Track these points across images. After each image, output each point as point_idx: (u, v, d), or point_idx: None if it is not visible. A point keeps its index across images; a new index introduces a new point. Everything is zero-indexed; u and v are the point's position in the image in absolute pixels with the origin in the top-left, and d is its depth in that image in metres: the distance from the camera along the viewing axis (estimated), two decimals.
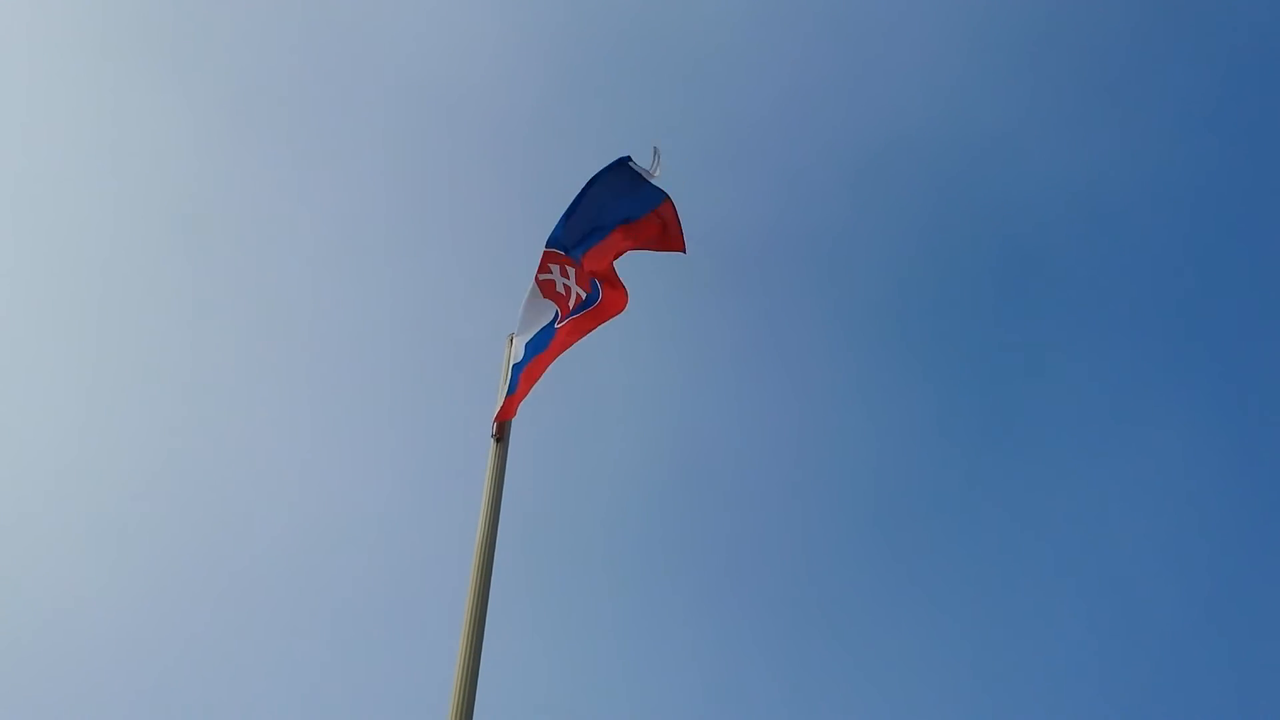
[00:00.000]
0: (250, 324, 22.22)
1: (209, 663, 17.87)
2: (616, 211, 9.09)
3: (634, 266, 9.26)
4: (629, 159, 9.12)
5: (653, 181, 9.08)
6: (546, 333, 8.74)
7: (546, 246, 9.00)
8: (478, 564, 7.52)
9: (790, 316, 24.20)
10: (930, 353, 24.82)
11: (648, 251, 9.28)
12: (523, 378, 8.46)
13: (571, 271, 8.95)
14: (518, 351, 8.62)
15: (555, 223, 9.08)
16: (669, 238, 9.16)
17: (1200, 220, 25.29)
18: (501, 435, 8.22)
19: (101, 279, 21.97)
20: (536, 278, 8.96)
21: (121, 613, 18.41)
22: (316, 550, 19.68)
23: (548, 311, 8.89)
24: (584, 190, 9.03)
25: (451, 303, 22.04)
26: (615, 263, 9.15)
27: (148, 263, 22.43)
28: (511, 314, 9.00)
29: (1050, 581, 21.69)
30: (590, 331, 8.92)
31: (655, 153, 9.11)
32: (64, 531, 19.57)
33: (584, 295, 8.96)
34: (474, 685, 7.00)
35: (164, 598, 18.65)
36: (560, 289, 8.93)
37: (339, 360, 21.98)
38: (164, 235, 22.47)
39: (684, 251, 9.18)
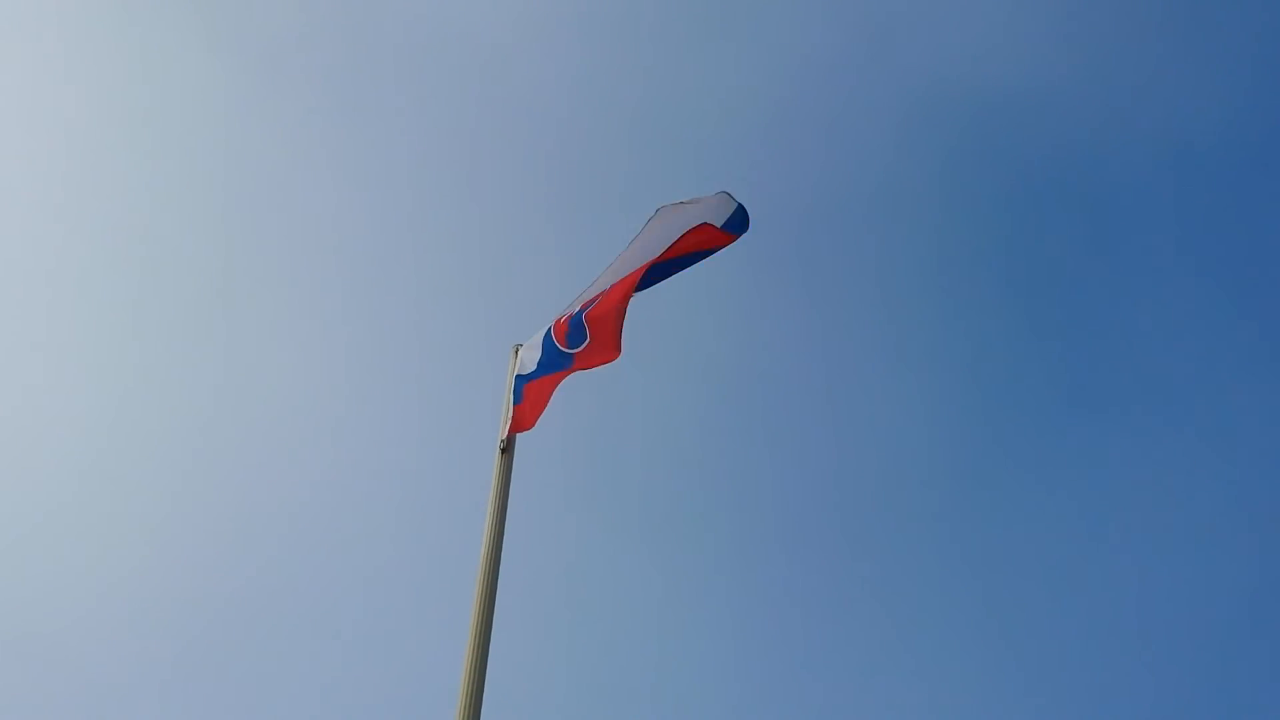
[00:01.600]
0: (268, 318, 22.21)
1: (219, 661, 17.87)
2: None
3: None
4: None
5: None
6: (560, 357, 8.59)
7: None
8: (483, 576, 7.57)
9: (840, 270, 23.37)
10: (990, 307, 23.80)
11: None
12: (531, 393, 8.36)
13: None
14: (524, 364, 8.55)
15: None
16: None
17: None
18: (508, 447, 8.18)
19: (125, 272, 21.95)
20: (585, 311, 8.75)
21: (121, 612, 18.41)
22: (322, 550, 19.64)
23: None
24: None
25: (472, 306, 21.81)
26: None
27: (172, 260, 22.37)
28: (525, 323, 8.93)
29: (1111, 552, 20.78)
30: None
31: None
32: (83, 527, 19.58)
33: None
34: (481, 688, 7.03)
35: (172, 595, 18.65)
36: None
37: (354, 357, 21.92)
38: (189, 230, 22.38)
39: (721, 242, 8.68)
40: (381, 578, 19.12)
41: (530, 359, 8.57)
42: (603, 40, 24.34)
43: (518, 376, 8.47)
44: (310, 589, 19.14)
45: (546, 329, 8.65)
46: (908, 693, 18.80)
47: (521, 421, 8.29)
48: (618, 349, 8.12)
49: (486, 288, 21.73)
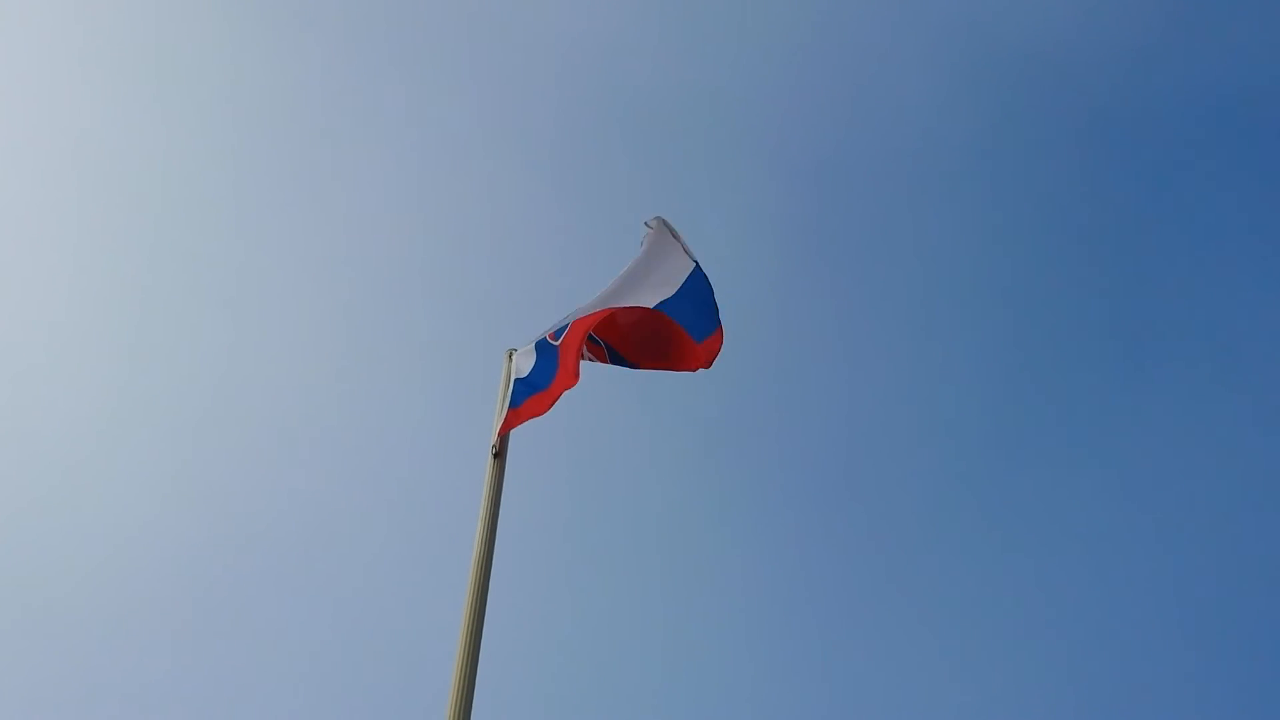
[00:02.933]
0: (268, 313, 22.13)
1: (205, 657, 17.80)
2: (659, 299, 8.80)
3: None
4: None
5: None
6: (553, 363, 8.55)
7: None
8: (474, 583, 7.58)
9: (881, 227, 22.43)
10: (1034, 263, 22.79)
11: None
12: (531, 401, 8.33)
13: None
14: (520, 369, 8.53)
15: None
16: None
17: None
18: (500, 451, 8.16)
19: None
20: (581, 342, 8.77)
21: (115, 606, 18.35)
22: (314, 549, 19.52)
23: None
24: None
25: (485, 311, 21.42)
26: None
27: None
28: (521, 326, 8.91)
29: (1163, 531, 19.64)
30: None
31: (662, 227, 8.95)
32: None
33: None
34: (470, 690, 7.05)
35: (164, 590, 18.60)
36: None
37: (348, 356, 21.77)
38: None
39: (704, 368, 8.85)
40: (373, 578, 19.03)
41: (527, 364, 8.55)
42: (617, 7, 23.57)
43: (517, 380, 8.46)
44: (302, 588, 19.06)
45: (541, 338, 8.64)
46: (928, 681, 18.19)
47: (513, 421, 8.28)
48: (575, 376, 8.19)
49: (483, 289, 21.49)
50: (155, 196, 22.17)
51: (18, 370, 20.70)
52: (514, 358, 8.71)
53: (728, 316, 8.85)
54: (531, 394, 8.37)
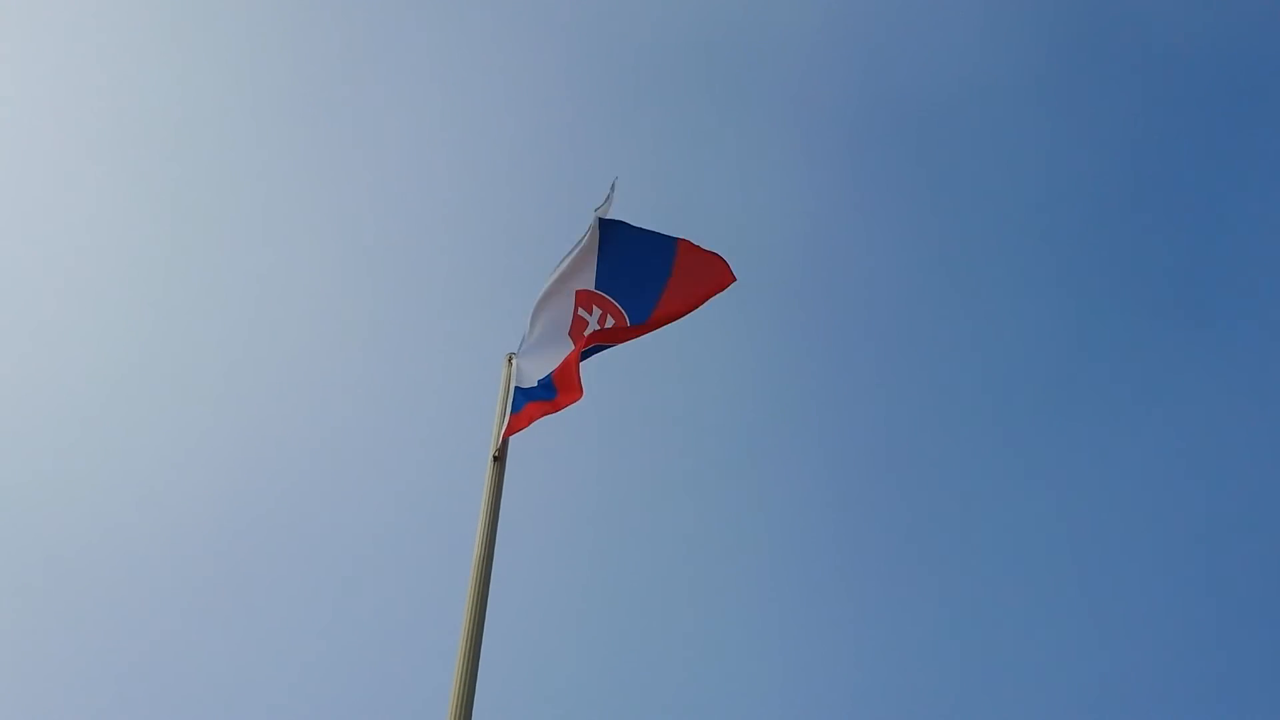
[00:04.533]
0: (276, 313, 22.06)
1: (204, 654, 17.77)
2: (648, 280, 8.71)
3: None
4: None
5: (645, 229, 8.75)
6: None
7: (596, 289, 8.67)
8: (474, 587, 7.53)
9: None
10: (1085, 200, 21.66)
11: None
12: (531, 408, 8.25)
13: (611, 321, 8.69)
14: (527, 378, 8.45)
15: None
16: (712, 275, 8.58)
17: None
18: (500, 455, 8.12)
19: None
20: (575, 314, 8.66)
21: (111, 605, 18.33)
22: (315, 548, 19.45)
23: (564, 348, 8.62)
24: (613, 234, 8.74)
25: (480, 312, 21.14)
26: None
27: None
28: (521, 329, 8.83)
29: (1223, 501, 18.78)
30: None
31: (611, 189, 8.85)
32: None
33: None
34: (470, 696, 6.98)
35: (161, 590, 18.56)
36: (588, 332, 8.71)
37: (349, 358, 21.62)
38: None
39: (734, 279, 8.51)
40: (375, 578, 18.92)
41: (527, 370, 8.47)
42: None
43: (518, 389, 8.39)
44: (301, 585, 18.99)
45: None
46: (966, 675, 17.56)
47: (515, 426, 8.22)
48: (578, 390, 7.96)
49: (484, 290, 21.13)
50: (167, 181, 22.13)
51: (21, 356, 20.69)
52: (514, 361, 8.66)
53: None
54: (532, 401, 8.29)
